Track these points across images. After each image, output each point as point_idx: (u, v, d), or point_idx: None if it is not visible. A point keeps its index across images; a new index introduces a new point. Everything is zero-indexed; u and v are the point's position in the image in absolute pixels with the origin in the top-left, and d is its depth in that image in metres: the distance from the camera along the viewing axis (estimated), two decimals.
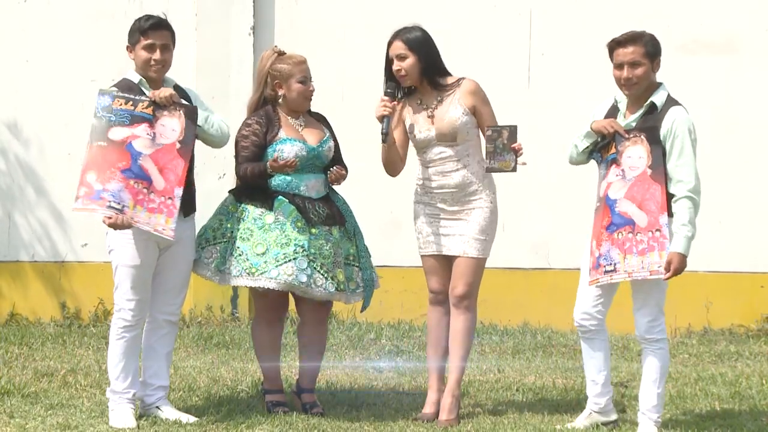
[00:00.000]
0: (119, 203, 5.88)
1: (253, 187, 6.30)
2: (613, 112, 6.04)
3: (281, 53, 6.40)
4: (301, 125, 6.38)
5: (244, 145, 6.30)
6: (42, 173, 8.83)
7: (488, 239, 6.29)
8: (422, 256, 6.38)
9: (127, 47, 6.13)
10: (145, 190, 5.95)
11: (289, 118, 6.36)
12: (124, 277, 6.07)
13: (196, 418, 6.16)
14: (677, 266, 5.79)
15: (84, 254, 8.77)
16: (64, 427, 6.02)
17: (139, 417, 6.13)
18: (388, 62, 6.32)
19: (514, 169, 6.20)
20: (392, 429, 6.11)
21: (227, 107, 8.58)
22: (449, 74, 6.36)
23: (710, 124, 8.61)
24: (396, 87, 6.29)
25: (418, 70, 6.26)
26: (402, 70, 6.25)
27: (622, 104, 6.02)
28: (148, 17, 6.11)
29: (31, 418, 6.16)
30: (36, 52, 8.80)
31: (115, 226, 5.91)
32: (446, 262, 6.32)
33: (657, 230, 5.82)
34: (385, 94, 6.26)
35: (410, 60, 6.25)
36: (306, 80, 6.35)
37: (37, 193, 8.83)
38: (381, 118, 6.24)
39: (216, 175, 8.47)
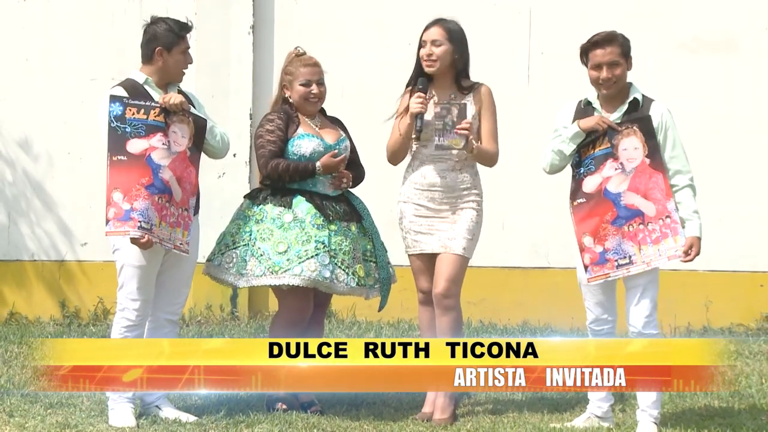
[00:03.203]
0: (148, 222, 5.91)
1: (275, 184, 6.30)
2: (582, 113, 6.06)
3: (300, 54, 6.42)
4: (317, 125, 6.40)
5: (270, 139, 6.30)
6: (42, 172, 8.83)
7: (473, 239, 6.29)
8: (410, 255, 6.38)
9: (159, 50, 6.10)
10: (167, 204, 5.98)
11: (305, 117, 6.39)
12: (130, 276, 6.07)
13: (196, 417, 6.16)
14: (697, 250, 5.91)
15: (84, 253, 8.77)
16: (64, 426, 6.03)
17: (138, 416, 6.14)
18: (420, 48, 6.31)
19: (463, 148, 6.20)
20: (392, 428, 6.12)
21: (227, 106, 8.59)
22: (469, 77, 6.36)
23: (710, 122, 8.61)
24: (427, 82, 6.25)
25: (449, 60, 6.25)
26: (434, 56, 6.23)
27: (597, 104, 6.05)
28: (180, 22, 6.15)
29: (30, 417, 6.17)
30: (36, 51, 8.80)
31: (145, 246, 5.94)
32: (433, 261, 6.31)
33: (667, 217, 5.88)
34: (419, 90, 6.23)
35: (445, 48, 6.23)
36: (309, 83, 6.36)
37: (37, 192, 8.83)
38: (416, 115, 6.23)
39: (215, 174, 8.47)
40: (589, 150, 6.01)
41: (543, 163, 6.17)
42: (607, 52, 5.94)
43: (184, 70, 6.18)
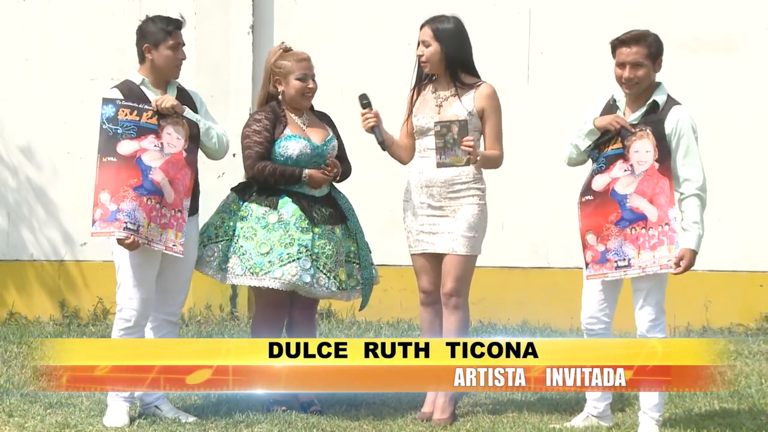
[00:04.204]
0: (134, 223, 5.90)
1: (262, 185, 6.30)
2: (609, 110, 6.05)
3: (287, 49, 6.41)
4: (305, 123, 6.39)
5: (257, 140, 6.29)
6: (41, 172, 8.82)
7: (477, 236, 6.28)
8: (412, 255, 6.37)
9: (146, 48, 6.11)
10: (157, 206, 5.97)
11: (293, 115, 6.38)
12: (127, 277, 6.07)
13: (195, 417, 6.17)
14: (688, 263, 5.85)
15: (83, 253, 8.76)
16: (63, 426, 6.03)
17: (138, 416, 6.14)
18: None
19: (467, 163, 6.21)
20: (391, 428, 6.12)
21: (226, 106, 8.58)
22: (476, 73, 6.35)
23: (710, 122, 8.58)
24: (368, 96, 6.31)
25: (440, 60, 6.25)
26: (424, 56, 6.27)
27: (621, 102, 6.03)
28: (170, 19, 6.15)
29: (30, 417, 6.17)
30: (35, 51, 8.80)
31: (130, 247, 5.94)
32: (436, 260, 6.31)
33: (666, 224, 5.86)
34: (363, 107, 6.29)
35: (433, 48, 6.25)
36: (305, 78, 6.35)
37: (36, 192, 8.83)
38: (370, 130, 6.26)
39: (215, 174, 8.45)
40: (605, 148, 5.99)
41: (563, 154, 6.16)
42: (632, 52, 5.90)
43: (176, 66, 6.13)
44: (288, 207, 6.27)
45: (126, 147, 5.98)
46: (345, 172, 6.50)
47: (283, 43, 6.46)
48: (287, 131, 6.32)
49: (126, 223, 5.90)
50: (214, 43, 8.70)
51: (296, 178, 6.27)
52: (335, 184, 6.50)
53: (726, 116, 8.69)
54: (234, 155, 8.47)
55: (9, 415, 6.20)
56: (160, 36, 6.08)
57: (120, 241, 5.95)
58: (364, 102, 6.29)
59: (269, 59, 6.43)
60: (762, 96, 8.68)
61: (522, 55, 8.76)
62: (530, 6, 8.77)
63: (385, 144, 6.30)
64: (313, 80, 6.39)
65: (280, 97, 6.39)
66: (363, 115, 6.27)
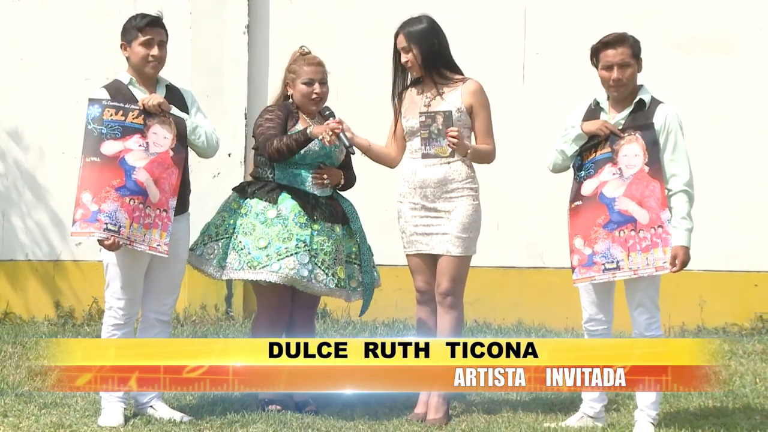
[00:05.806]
0: (115, 224, 5.89)
1: (278, 161, 6.28)
2: (591, 114, 6.07)
3: (305, 53, 6.43)
4: (315, 125, 6.41)
5: (270, 126, 6.30)
6: (37, 171, 8.81)
7: (471, 237, 6.29)
8: (407, 255, 6.38)
9: (122, 45, 6.12)
10: (141, 206, 5.95)
11: (304, 116, 6.40)
12: (115, 275, 6.07)
13: (191, 417, 6.16)
14: (683, 259, 5.86)
15: (78, 253, 8.75)
16: (58, 426, 6.02)
17: (132, 416, 6.14)
18: (397, 53, 6.36)
19: (451, 155, 6.22)
20: (386, 428, 6.11)
21: (222, 106, 8.58)
22: (458, 69, 6.37)
23: (706, 122, 8.62)
24: (330, 108, 6.38)
25: (420, 62, 6.28)
26: (408, 63, 6.31)
27: (605, 104, 6.05)
28: (144, 15, 6.12)
29: (24, 417, 6.16)
30: (30, 51, 8.79)
31: (110, 247, 5.94)
32: (431, 260, 6.31)
33: (659, 226, 5.87)
34: (324, 119, 6.35)
35: (412, 53, 6.28)
36: (311, 82, 6.37)
37: (32, 192, 8.82)
38: (337, 137, 6.26)
39: (210, 174, 8.46)
40: (591, 154, 6.01)
41: (547, 161, 6.18)
42: (618, 53, 5.93)
43: (149, 63, 6.07)
44: (287, 203, 6.29)
45: (110, 147, 5.97)
46: (349, 180, 6.53)
47: (302, 47, 6.49)
48: (299, 126, 6.34)
49: (106, 224, 5.88)
50: (210, 43, 8.70)
51: (304, 135, 6.23)
52: (338, 191, 6.52)
53: (722, 116, 8.70)
54: (229, 155, 8.52)
55: (4, 416, 6.19)
56: (132, 33, 6.08)
57: (100, 242, 5.95)
58: (326, 113, 6.37)
59: (288, 62, 6.46)
60: (758, 96, 8.69)
61: (517, 55, 8.76)
62: (525, 6, 8.77)
63: (353, 148, 6.32)
64: (322, 85, 6.40)
65: (290, 100, 6.42)
66: (326, 124, 6.30)
